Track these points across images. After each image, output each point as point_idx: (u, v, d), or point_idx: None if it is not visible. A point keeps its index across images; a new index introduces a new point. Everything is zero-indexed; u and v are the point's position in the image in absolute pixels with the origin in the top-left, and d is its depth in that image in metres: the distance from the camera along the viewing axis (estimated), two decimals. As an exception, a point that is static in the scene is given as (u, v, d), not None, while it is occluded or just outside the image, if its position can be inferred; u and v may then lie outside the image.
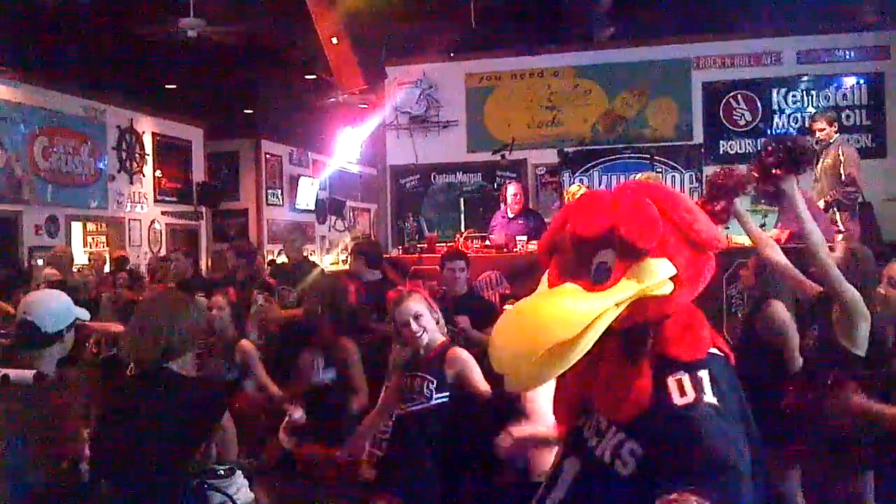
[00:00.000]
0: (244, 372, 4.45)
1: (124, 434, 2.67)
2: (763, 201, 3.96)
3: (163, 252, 11.74)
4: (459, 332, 4.50)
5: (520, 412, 3.01)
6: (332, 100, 10.71)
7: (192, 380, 2.89)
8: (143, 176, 12.31)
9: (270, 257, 12.38)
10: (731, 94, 8.61)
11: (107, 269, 8.83)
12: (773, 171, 2.97)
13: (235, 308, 4.97)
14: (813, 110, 8.23)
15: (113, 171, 11.57)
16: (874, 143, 8.26)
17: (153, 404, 2.68)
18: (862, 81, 8.36)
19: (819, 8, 7.78)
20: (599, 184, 8.59)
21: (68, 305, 3.05)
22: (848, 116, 8.27)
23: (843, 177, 6.52)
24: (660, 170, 8.25)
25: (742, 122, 8.61)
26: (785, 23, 8.36)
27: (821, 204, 6.44)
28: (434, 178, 9.29)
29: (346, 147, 12.79)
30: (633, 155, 8.61)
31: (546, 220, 7.56)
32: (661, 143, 8.62)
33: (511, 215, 7.32)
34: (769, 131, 8.54)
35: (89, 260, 9.77)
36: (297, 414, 3.86)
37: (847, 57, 8.40)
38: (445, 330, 3.53)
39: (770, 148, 3.03)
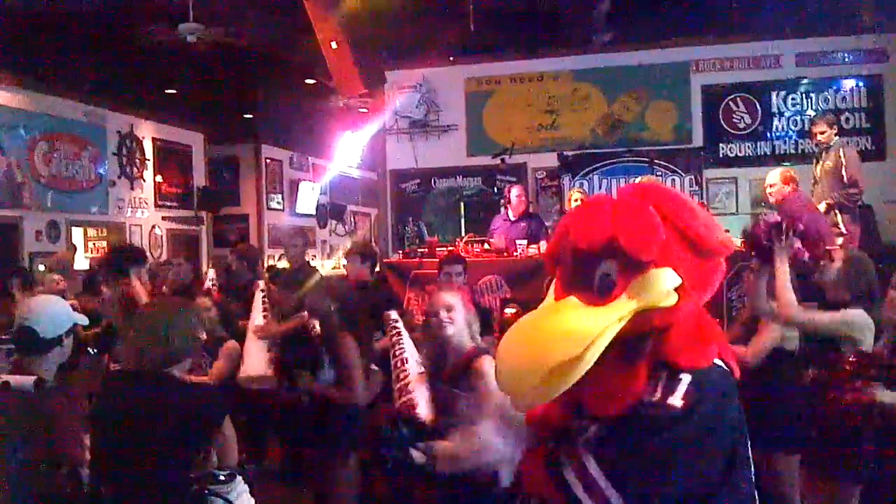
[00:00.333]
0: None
1: (124, 439, 2.66)
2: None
3: (163, 257, 11.74)
4: None
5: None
6: (333, 104, 10.73)
7: (192, 385, 2.89)
8: (144, 181, 12.30)
9: (271, 262, 12.38)
10: (731, 96, 8.61)
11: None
12: (766, 244, 3.35)
13: (221, 308, 5.13)
14: (812, 113, 8.24)
15: (113, 177, 11.55)
16: (873, 146, 8.26)
17: (154, 409, 2.68)
18: (861, 84, 8.38)
19: (818, 11, 7.78)
20: (599, 187, 8.61)
21: (67, 311, 3.05)
22: (847, 119, 8.27)
23: (844, 179, 6.52)
24: (659, 173, 8.27)
25: (741, 125, 8.62)
26: (784, 25, 8.36)
27: (822, 206, 6.45)
28: (434, 182, 9.29)
29: (347, 151, 12.80)
30: (632, 158, 8.62)
31: (546, 223, 7.57)
32: (661, 147, 8.64)
33: (513, 218, 7.33)
34: (769, 134, 8.56)
35: (90, 265, 9.77)
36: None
37: (846, 60, 8.42)
38: (479, 340, 3.30)
39: (760, 225, 3.41)
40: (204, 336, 3.06)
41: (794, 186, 6.27)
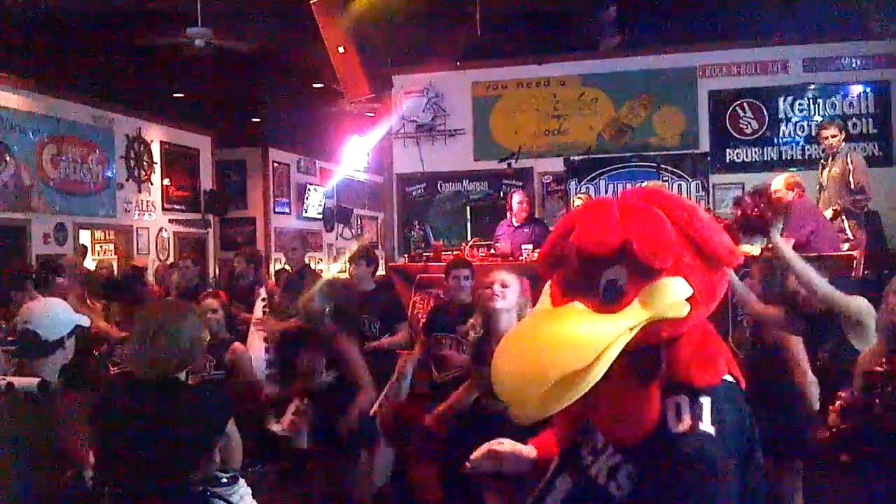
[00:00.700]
0: (232, 372, 4.53)
1: (129, 441, 2.67)
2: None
3: (171, 260, 11.78)
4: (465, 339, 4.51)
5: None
6: (340, 108, 10.74)
7: (197, 388, 2.90)
8: (152, 184, 12.35)
9: (278, 266, 12.40)
10: (738, 102, 8.58)
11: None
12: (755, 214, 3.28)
13: (227, 309, 5.10)
14: (819, 118, 8.21)
15: (121, 180, 11.61)
16: (881, 152, 8.21)
17: (158, 412, 2.68)
18: (868, 89, 8.33)
19: (825, 16, 7.76)
20: (606, 192, 8.59)
21: (68, 313, 3.06)
22: (854, 125, 8.23)
23: (851, 185, 6.49)
24: (666, 178, 8.25)
25: (748, 131, 8.59)
26: (791, 31, 8.34)
27: (828, 213, 6.43)
28: (440, 186, 9.30)
29: (354, 155, 12.85)
30: (639, 163, 8.61)
31: (551, 228, 7.56)
32: (668, 152, 8.61)
33: (516, 224, 7.33)
34: (776, 139, 8.53)
35: (97, 268, 9.80)
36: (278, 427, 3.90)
37: (853, 65, 8.38)
38: None
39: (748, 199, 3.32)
40: (208, 338, 3.07)
41: (798, 192, 6.21)
